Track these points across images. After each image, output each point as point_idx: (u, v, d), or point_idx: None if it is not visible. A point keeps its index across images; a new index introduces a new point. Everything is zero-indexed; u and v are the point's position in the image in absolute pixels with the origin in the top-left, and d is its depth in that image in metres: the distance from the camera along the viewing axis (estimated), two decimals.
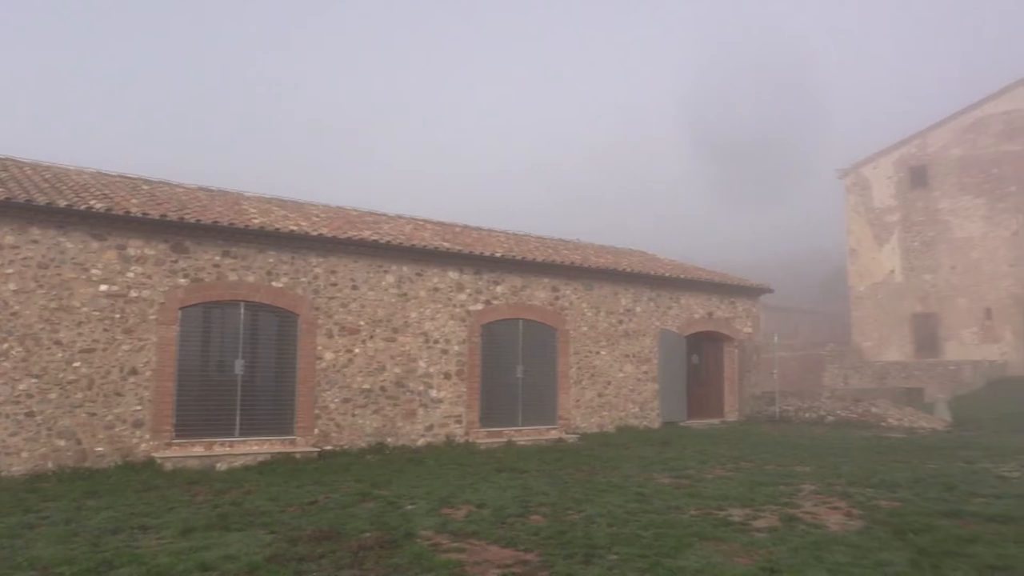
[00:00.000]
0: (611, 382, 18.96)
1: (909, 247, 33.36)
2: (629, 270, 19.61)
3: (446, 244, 16.63)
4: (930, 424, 19.54)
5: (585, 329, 18.60)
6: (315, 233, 14.35)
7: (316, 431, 14.01)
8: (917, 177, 33.61)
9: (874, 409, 20.53)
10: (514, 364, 17.19)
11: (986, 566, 6.19)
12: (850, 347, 34.02)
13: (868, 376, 30.42)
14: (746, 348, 22.47)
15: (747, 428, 19.46)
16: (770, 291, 23.89)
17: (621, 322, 19.38)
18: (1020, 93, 31.76)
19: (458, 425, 15.90)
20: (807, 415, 21.25)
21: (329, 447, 13.92)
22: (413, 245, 15.61)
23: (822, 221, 43.60)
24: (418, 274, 15.76)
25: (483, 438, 15.93)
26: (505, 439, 16.01)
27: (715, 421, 20.94)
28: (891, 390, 25.02)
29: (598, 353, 18.80)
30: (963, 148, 32.59)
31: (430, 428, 15.48)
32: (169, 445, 12.49)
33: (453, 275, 16.33)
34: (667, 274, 20.73)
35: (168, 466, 11.80)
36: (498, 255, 16.93)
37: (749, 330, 22.78)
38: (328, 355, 14.36)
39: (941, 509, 8.49)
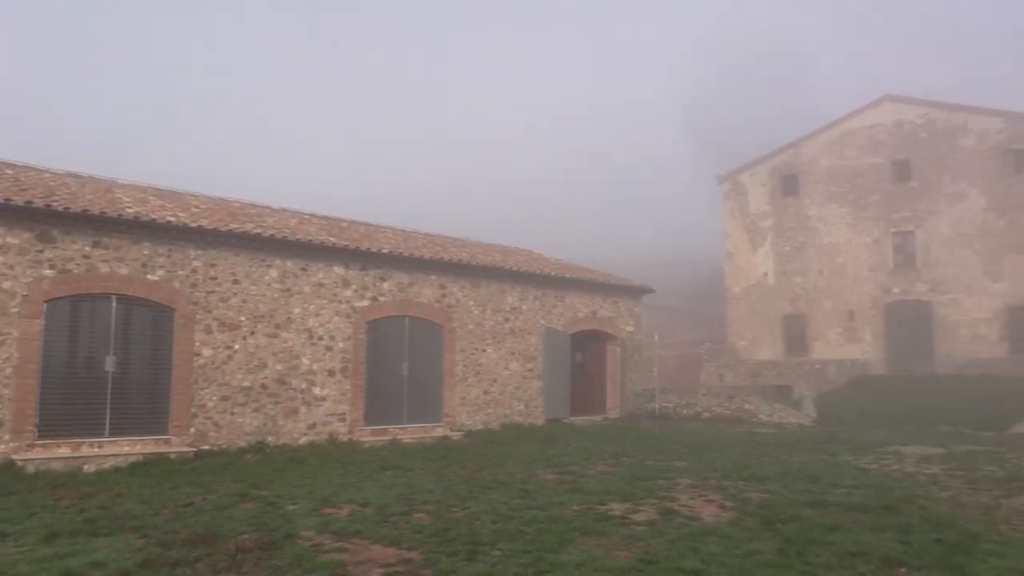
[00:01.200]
0: (497, 380, 19.09)
1: (781, 251, 35.02)
2: (516, 269, 19.81)
3: (332, 239, 16.34)
4: (797, 420, 20.58)
5: (471, 327, 18.66)
6: (194, 224, 13.81)
7: (192, 430, 13.50)
8: (789, 185, 35.32)
9: (747, 406, 21.48)
10: (400, 361, 17.06)
11: (846, 552, 6.57)
12: (726, 346, 35.42)
13: (742, 374, 31.74)
14: (628, 347, 23.06)
15: (628, 424, 19.99)
16: (652, 291, 24.61)
17: (507, 320, 19.55)
18: (883, 109, 33.84)
19: (342, 423, 15.65)
20: (685, 411, 22.02)
21: (206, 447, 13.44)
22: (298, 239, 15.26)
23: (702, 224, 45.17)
24: (303, 269, 15.42)
25: (367, 436, 15.73)
26: (390, 437, 15.87)
27: (598, 418, 21.41)
28: (763, 387, 26.21)
29: (484, 351, 18.89)
30: (831, 159, 34.46)
31: (313, 426, 15.18)
32: (31, 446, 11.77)
33: (339, 270, 16.05)
34: (553, 273, 21.05)
35: (30, 468, 11.12)
36: (385, 251, 16.77)
37: (631, 329, 23.39)
38: (206, 351, 13.86)
39: (806, 500, 8.96)
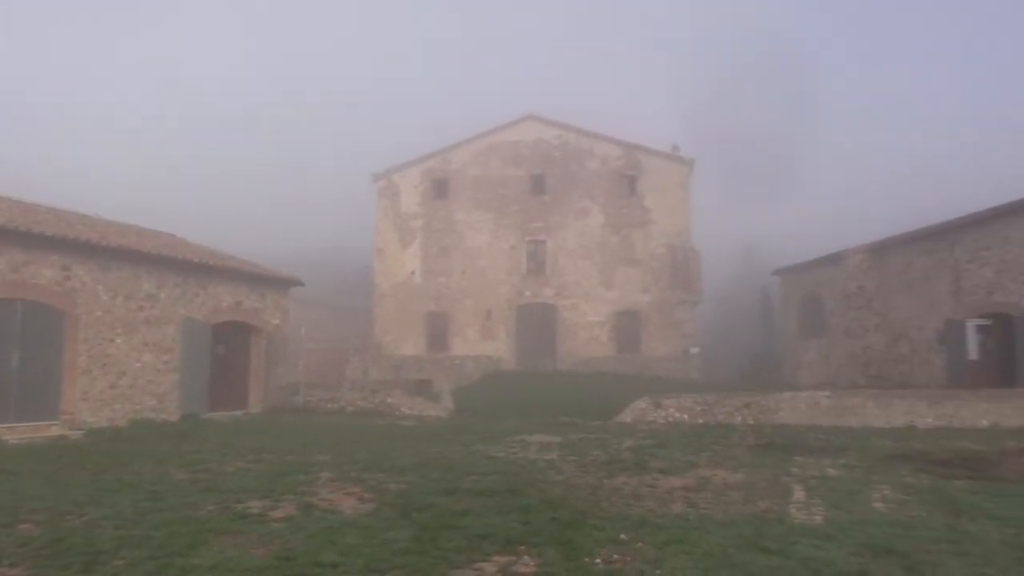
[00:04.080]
0: (127, 372, 17.55)
1: (429, 251, 36.51)
2: (154, 252, 18.37)
3: None
4: (436, 412, 21.57)
5: (100, 314, 16.95)
6: None
7: None
8: (439, 189, 36.97)
9: (389, 399, 22.05)
10: (9, 351, 14.98)
11: (475, 535, 7.05)
12: (372, 342, 36.06)
13: (386, 369, 32.48)
14: (274, 340, 22.50)
15: (271, 419, 19.50)
16: (300, 284, 24.26)
17: (142, 308, 18.06)
18: (524, 127, 36.82)
19: None
20: (329, 406, 22.02)
21: None
22: None
23: (357, 220, 45.35)
24: None
25: None
26: None
27: (239, 413, 20.60)
28: (405, 382, 27.06)
29: (113, 341, 17.28)
30: (478, 168, 36.70)
31: None
32: None
33: None
34: (196, 260, 19.85)
35: None
36: None
37: (278, 322, 22.85)
38: None
39: (441, 488, 9.44)
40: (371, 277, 37.50)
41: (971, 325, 23.74)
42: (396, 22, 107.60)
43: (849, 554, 6.42)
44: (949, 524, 7.55)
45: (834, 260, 30.17)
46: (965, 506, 8.32)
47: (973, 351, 23.65)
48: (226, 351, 21.09)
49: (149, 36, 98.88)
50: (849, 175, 74.41)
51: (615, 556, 6.38)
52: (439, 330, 35.96)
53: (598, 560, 6.28)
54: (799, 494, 9.17)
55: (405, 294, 36.25)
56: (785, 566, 6.04)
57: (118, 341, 17.44)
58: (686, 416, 18.93)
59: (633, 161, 35.89)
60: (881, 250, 28.88)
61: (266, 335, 22.23)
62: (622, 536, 7.01)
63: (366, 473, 10.69)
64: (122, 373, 17.47)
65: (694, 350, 34.43)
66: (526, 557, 6.42)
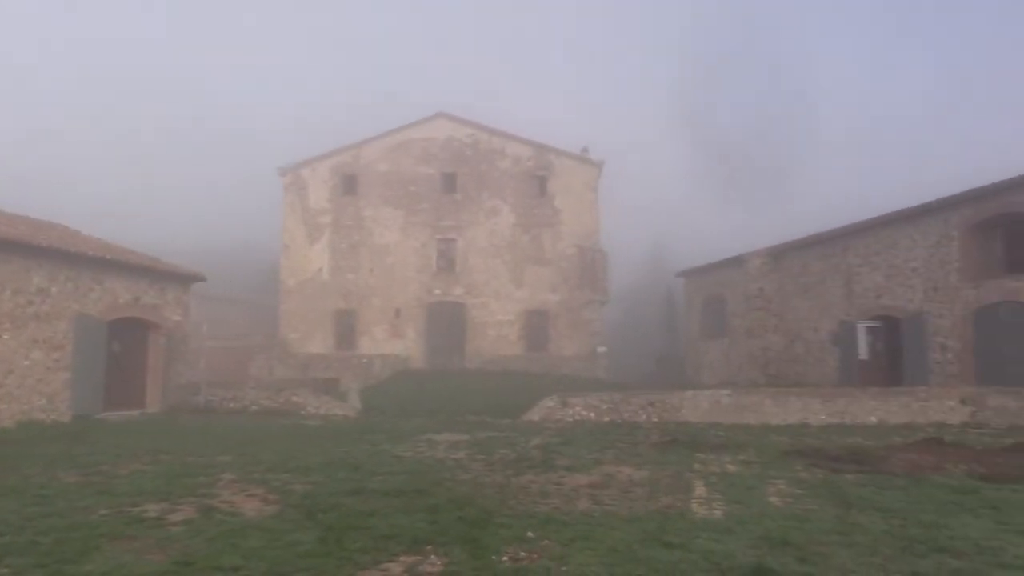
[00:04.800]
0: (14, 371, 16.68)
1: (337, 248, 35.95)
2: (45, 245, 17.52)
3: None
4: (343, 412, 21.28)
5: None
6: None
7: None
8: (349, 185, 36.45)
9: (295, 398, 21.62)
10: None
11: (381, 536, 6.99)
12: (278, 339, 35.29)
13: (292, 367, 31.87)
14: (174, 337, 21.78)
15: (170, 419, 18.86)
16: (203, 279, 23.56)
17: (31, 303, 17.20)
18: (436, 124, 36.69)
19: None
20: (232, 405, 21.45)
21: None
22: None
23: (264, 214, 44.20)
24: None
25: None
26: None
27: (135, 413, 19.84)
28: (312, 380, 26.60)
29: (0, 337, 16.39)
30: (389, 164, 36.35)
31: None
32: None
33: None
34: (91, 253, 19.02)
35: None
36: None
37: (179, 318, 22.13)
38: None
39: (347, 488, 9.32)
40: (279, 273, 36.68)
41: (861, 327, 24.90)
42: (320, 15, 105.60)
43: (747, 547, 6.64)
44: (839, 516, 7.90)
45: (736, 263, 31.15)
46: (854, 499, 8.71)
47: (863, 351, 24.80)
48: (123, 349, 20.28)
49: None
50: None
51: (521, 554, 6.43)
52: (347, 328, 35.47)
53: (505, 558, 6.32)
54: (700, 490, 9.43)
55: (312, 291, 35.61)
56: (687, 560, 6.21)
57: (5, 337, 16.55)
58: (592, 414, 19.22)
59: (544, 162, 36.23)
60: (780, 254, 29.97)
61: (166, 332, 21.49)
62: (529, 534, 7.07)
63: (270, 474, 10.46)
64: (9, 371, 16.60)
65: (601, 349, 34.99)
66: (433, 557, 6.41)
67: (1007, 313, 20.11)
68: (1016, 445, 13.11)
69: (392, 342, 34.96)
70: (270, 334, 36.87)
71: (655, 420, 18.73)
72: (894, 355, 23.96)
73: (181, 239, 45.96)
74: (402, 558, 6.37)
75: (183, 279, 22.48)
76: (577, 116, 77.21)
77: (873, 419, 18.16)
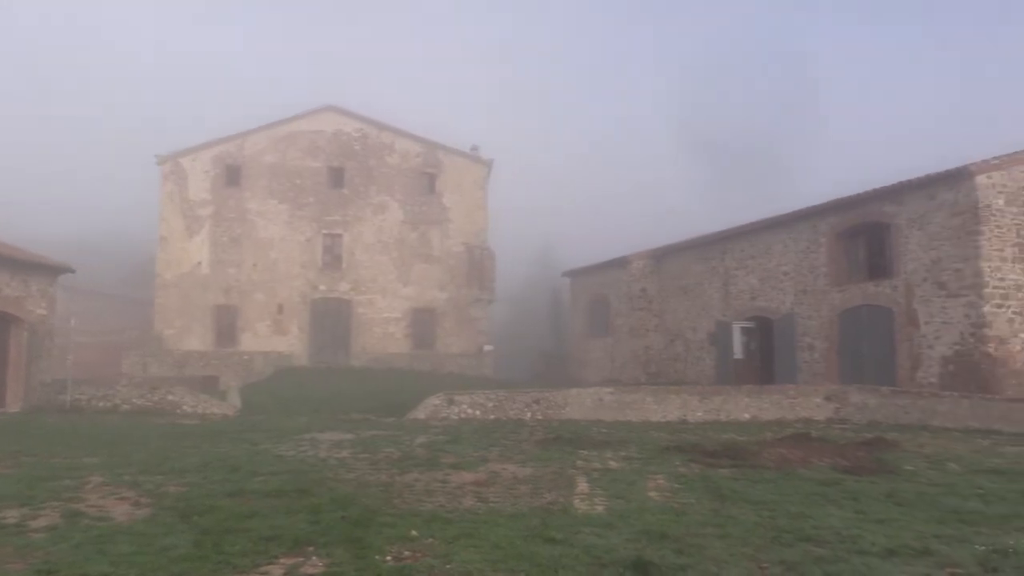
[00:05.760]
0: None
1: (218, 241, 34.74)
2: None
3: None
4: (222, 410, 20.61)
5: None
6: None
7: None
8: (232, 176, 35.27)
9: (171, 397, 20.79)
10: None
11: (261, 538, 6.80)
12: (153, 335, 33.82)
13: (169, 364, 30.69)
14: (38, 331, 20.56)
15: (33, 419, 17.78)
16: (70, 270, 22.34)
17: None
18: (324, 117, 36.00)
19: None
20: (102, 404, 20.43)
21: None
22: None
23: (139, 205, 42.14)
24: None
25: None
26: None
27: None
28: (189, 378, 25.69)
29: None
30: (275, 156, 35.40)
31: None
32: None
33: None
34: None
35: None
36: None
37: (43, 311, 20.90)
38: None
39: (225, 490, 9.04)
40: (155, 266, 35.13)
41: (737, 327, 25.99)
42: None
43: (627, 540, 6.81)
44: (714, 509, 8.21)
45: (620, 264, 31.93)
46: (728, 492, 9.08)
47: (738, 351, 25.89)
48: None
49: None
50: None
51: (405, 553, 6.40)
52: (227, 324, 34.33)
53: (388, 558, 6.27)
54: (583, 486, 9.62)
55: (191, 285, 34.27)
56: (569, 554, 6.32)
57: None
58: (478, 412, 19.30)
59: (433, 159, 36.11)
60: (662, 256, 30.92)
61: (29, 326, 20.24)
62: (413, 532, 7.04)
63: (142, 476, 10.01)
64: None
65: (488, 348, 35.19)
66: (314, 558, 6.29)
67: (868, 315, 21.45)
68: (874, 439, 13.97)
69: (275, 339, 34.10)
70: (145, 330, 35.30)
71: (540, 418, 18.97)
72: (767, 354, 25.12)
73: (48, 229, 43.32)
74: (282, 560, 6.23)
75: (49, 270, 21.24)
76: (465, 114, 77.13)
77: (747, 416, 18.97)
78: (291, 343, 34.26)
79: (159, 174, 35.06)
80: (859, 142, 79.94)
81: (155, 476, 10.04)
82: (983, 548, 6.60)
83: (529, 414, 19.22)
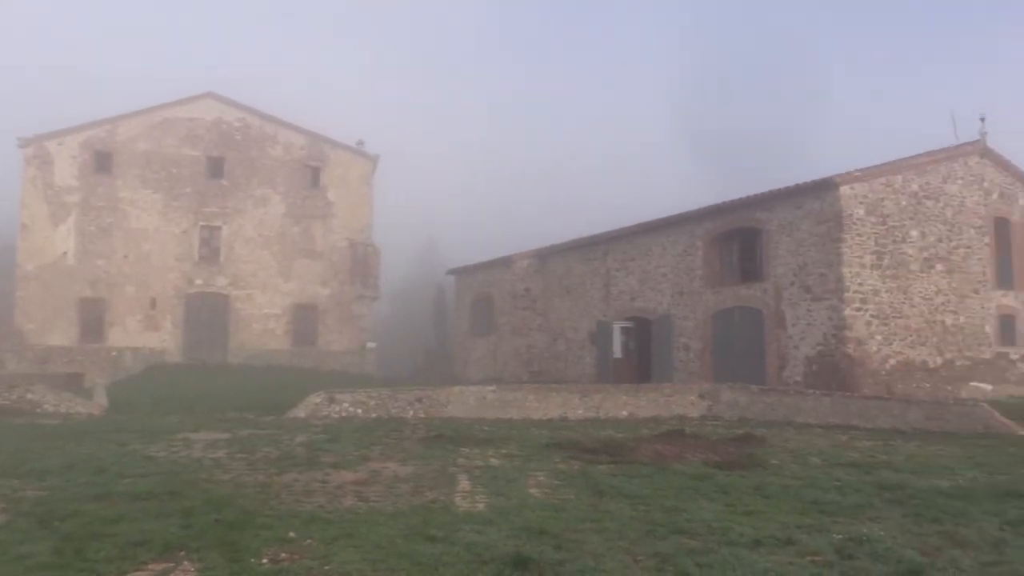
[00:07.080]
0: None
1: (85, 231, 32.95)
2: None
3: None
4: (88, 409, 19.59)
5: None
6: None
7: None
8: (102, 162, 33.54)
9: (30, 395, 19.59)
10: None
11: (128, 543, 6.52)
12: (12, 329, 31.77)
13: (29, 360, 28.96)
14: None
15: None
16: None
17: None
18: (203, 104, 34.71)
19: None
20: None
21: None
22: None
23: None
24: None
25: None
26: None
27: None
28: (52, 375, 24.34)
29: None
30: (149, 143, 33.88)
31: None
32: None
33: None
34: None
35: None
36: None
37: None
38: None
39: (90, 493, 8.61)
40: (14, 256, 32.99)
41: (617, 327, 26.69)
42: None
43: (507, 537, 6.90)
44: (593, 504, 8.42)
45: (504, 263, 32.22)
46: (606, 488, 9.32)
47: (618, 350, 26.59)
48: None
49: None
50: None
51: (282, 555, 6.28)
52: (95, 318, 32.65)
53: (264, 560, 6.13)
54: (464, 483, 9.67)
55: (54, 277, 32.39)
56: (450, 552, 6.35)
57: None
58: (360, 411, 19.07)
59: (318, 152, 35.44)
60: (546, 256, 31.39)
61: None
62: (291, 534, 6.91)
63: None
64: None
65: (371, 345, 34.84)
66: (186, 563, 6.09)
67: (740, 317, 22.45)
68: (744, 435, 14.64)
69: (147, 334, 32.68)
70: (3, 324, 33.12)
71: (422, 416, 18.92)
72: (645, 354, 25.90)
73: None
74: (151, 566, 6.00)
75: None
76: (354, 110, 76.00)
77: (625, 413, 19.49)
78: (164, 339, 32.92)
79: (21, 157, 32.93)
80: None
81: (11, 480, 9.45)
82: (840, 537, 7.02)
83: (411, 412, 19.13)
